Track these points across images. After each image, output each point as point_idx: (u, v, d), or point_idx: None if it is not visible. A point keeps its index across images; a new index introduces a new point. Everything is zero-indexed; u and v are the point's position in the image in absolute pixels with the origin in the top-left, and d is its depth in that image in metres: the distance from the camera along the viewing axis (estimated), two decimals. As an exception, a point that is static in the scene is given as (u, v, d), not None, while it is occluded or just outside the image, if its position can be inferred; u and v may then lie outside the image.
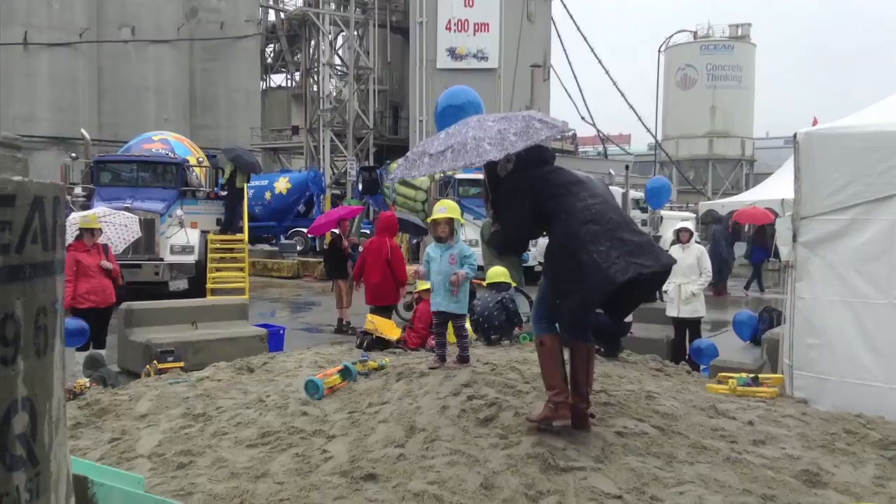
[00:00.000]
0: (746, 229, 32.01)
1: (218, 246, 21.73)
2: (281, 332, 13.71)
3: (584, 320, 5.91)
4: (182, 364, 9.36)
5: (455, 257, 7.61)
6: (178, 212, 20.67)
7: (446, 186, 25.98)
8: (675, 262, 6.00)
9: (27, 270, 2.84)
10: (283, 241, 34.08)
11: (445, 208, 7.75)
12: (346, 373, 7.28)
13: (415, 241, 28.71)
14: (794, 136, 7.60)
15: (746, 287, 25.87)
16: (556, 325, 6.00)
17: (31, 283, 2.95)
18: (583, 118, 54.29)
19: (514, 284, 10.06)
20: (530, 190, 5.77)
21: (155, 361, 9.52)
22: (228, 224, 22.41)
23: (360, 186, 35.31)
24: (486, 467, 5.42)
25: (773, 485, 5.15)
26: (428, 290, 9.34)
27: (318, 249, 30.99)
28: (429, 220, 8.01)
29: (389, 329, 9.58)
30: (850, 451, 5.92)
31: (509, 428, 5.95)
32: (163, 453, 6.09)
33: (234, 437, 6.36)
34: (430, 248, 7.87)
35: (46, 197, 2.53)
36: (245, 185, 22.83)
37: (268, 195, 35.31)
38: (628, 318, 8.74)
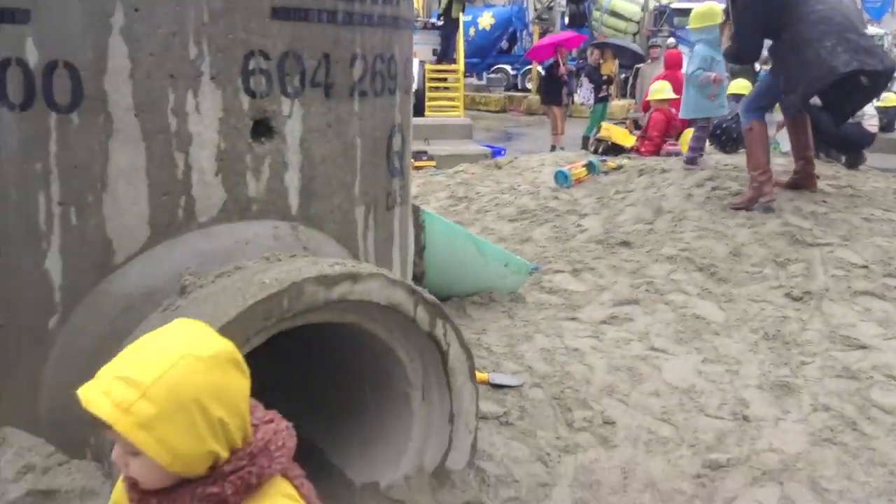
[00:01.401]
0: None
1: (434, 76, 22.56)
2: (503, 151, 14.53)
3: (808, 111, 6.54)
4: (434, 163, 10.37)
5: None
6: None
7: (661, 16, 25.08)
8: None
9: (402, 23, 3.62)
10: (489, 74, 34.52)
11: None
12: (590, 166, 7.92)
13: (623, 75, 28.19)
14: None
15: None
16: (764, 114, 6.77)
17: (404, 34, 3.74)
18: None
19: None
20: (764, 2, 6.15)
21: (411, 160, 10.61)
22: (444, 54, 23.09)
23: (567, 20, 34.62)
24: (733, 241, 5.96)
25: None
26: (662, 101, 9.63)
27: (519, 87, 31.24)
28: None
29: (624, 137, 10.06)
30: None
31: (754, 214, 6.38)
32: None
33: (496, 213, 7.26)
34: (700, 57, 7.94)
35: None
36: (461, 14, 23.23)
37: (471, 31, 35.45)
38: (873, 129, 8.65)
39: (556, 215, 6.97)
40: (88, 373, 2.82)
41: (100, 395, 1.30)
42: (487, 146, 14.58)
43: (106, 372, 1.34)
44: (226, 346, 1.38)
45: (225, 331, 2.22)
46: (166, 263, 2.87)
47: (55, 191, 2.70)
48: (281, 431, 1.44)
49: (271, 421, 1.44)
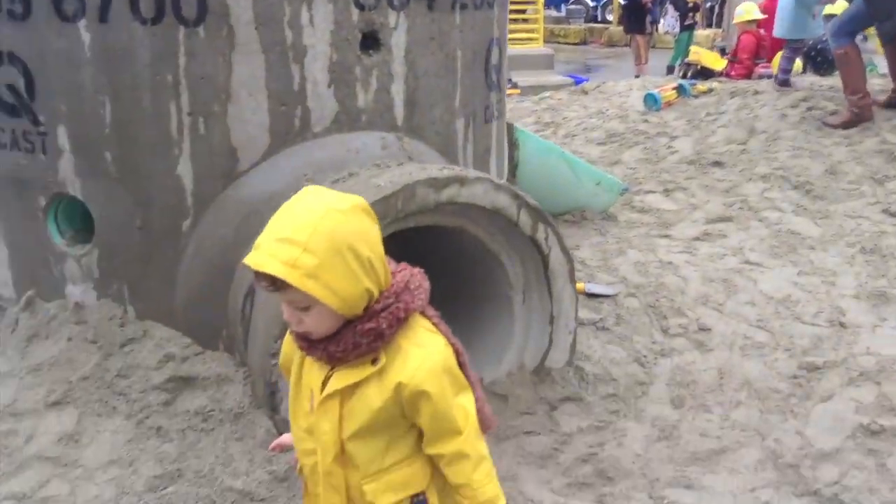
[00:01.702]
0: None
1: (513, 7, 22.22)
2: (586, 80, 14.33)
3: None
4: (519, 91, 10.36)
5: None
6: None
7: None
8: None
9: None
10: (569, 6, 33.75)
11: None
12: (681, 89, 7.81)
13: (709, 3, 27.10)
14: None
15: None
16: (854, 38, 6.65)
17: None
18: None
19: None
20: None
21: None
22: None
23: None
24: (829, 159, 5.86)
25: None
26: (749, 22, 9.34)
27: (599, 19, 30.46)
28: None
29: (713, 60, 9.82)
30: None
31: (850, 132, 6.22)
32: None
33: (584, 137, 7.27)
34: None
35: None
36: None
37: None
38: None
39: (645, 138, 6.94)
40: (218, 273, 3.08)
41: (267, 258, 1.45)
42: (570, 76, 14.40)
43: (265, 239, 1.49)
44: (357, 198, 1.54)
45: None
46: (285, 170, 3.07)
47: (185, 101, 2.91)
48: (416, 274, 1.62)
49: (405, 268, 1.62)
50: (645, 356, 3.56)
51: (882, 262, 4.43)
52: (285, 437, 1.88)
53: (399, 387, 1.52)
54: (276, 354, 2.72)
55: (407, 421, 1.59)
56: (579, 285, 3.99)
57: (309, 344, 1.56)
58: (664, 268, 4.38)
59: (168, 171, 2.98)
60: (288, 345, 1.72)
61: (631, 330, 3.75)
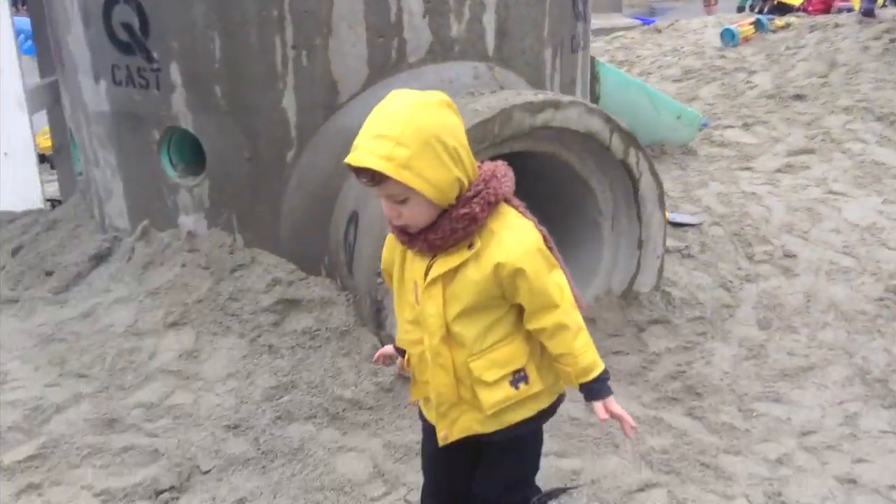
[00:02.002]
0: None
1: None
2: (655, 20, 14.03)
3: None
4: (589, 31, 10.24)
5: None
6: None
7: None
8: None
9: None
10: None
11: None
12: (759, 24, 7.66)
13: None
14: None
15: None
16: None
17: None
18: None
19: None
20: None
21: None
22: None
23: None
24: (918, 89, 5.73)
25: None
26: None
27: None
28: None
29: (791, -5, 9.57)
30: None
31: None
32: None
33: (660, 74, 7.22)
34: None
35: None
36: None
37: None
38: None
39: (723, 73, 6.87)
40: (320, 202, 3.24)
41: (364, 154, 1.58)
42: (638, 18, 14.12)
43: (361, 139, 1.61)
44: (441, 94, 1.65)
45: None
46: (383, 101, 3.19)
47: (289, 35, 3.05)
48: (500, 165, 1.73)
49: (489, 163, 1.74)
50: (730, 281, 3.62)
51: (971, 189, 4.38)
52: (387, 348, 2.03)
53: (497, 267, 1.65)
54: (381, 273, 2.91)
55: (506, 302, 1.72)
56: (663, 215, 4.06)
57: (409, 237, 1.69)
58: (747, 198, 4.40)
59: (274, 104, 3.13)
60: (388, 249, 1.86)
61: (716, 257, 3.82)
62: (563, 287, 1.70)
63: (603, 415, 1.75)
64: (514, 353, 1.75)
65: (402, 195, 1.60)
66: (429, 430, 1.92)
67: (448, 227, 1.64)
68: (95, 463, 2.59)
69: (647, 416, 2.83)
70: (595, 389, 1.76)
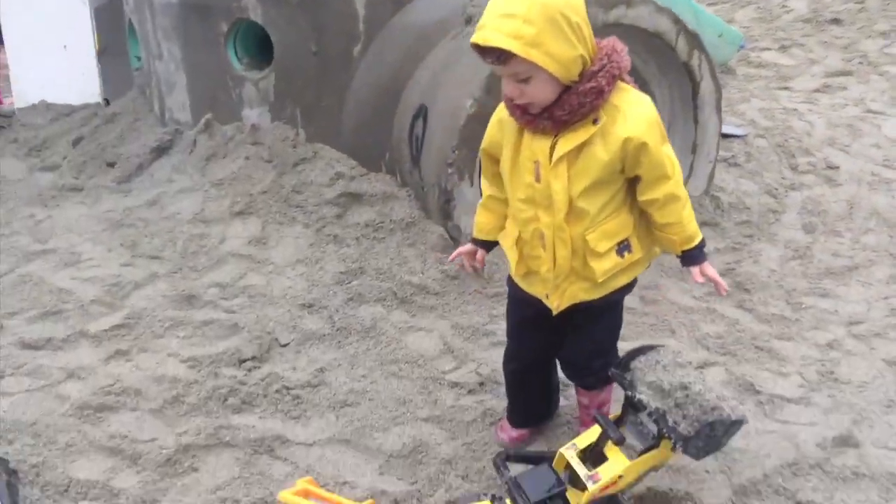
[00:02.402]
0: None
1: None
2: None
3: None
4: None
5: None
6: None
7: None
8: None
9: None
10: None
11: None
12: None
13: None
14: None
15: None
16: None
17: None
18: None
19: None
20: None
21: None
22: None
23: None
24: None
25: None
26: None
27: None
28: None
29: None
30: None
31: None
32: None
33: None
34: None
35: None
36: None
37: None
38: None
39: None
40: (385, 97, 3.31)
41: (492, 33, 1.59)
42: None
43: (488, 18, 1.61)
44: None
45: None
46: (451, -2, 3.24)
47: (362, -73, 3.08)
48: (616, 40, 1.74)
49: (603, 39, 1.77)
50: (776, 189, 3.73)
51: None
52: (466, 247, 2.09)
53: (626, 142, 1.69)
54: (452, 164, 3.00)
55: (622, 176, 1.78)
56: (708, 126, 4.13)
57: (531, 116, 1.73)
58: (788, 114, 4.48)
59: (343, -4, 3.18)
60: (496, 128, 1.89)
61: (761, 166, 3.91)
62: (674, 160, 1.77)
63: (699, 277, 1.85)
64: (622, 225, 1.83)
65: (526, 73, 1.62)
66: (519, 300, 2.02)
67: (576, 102, 1.66)
68: (179, 334, 2.73)
69: (699, 307, 2.97)
70: (694, 256, 1.85)
